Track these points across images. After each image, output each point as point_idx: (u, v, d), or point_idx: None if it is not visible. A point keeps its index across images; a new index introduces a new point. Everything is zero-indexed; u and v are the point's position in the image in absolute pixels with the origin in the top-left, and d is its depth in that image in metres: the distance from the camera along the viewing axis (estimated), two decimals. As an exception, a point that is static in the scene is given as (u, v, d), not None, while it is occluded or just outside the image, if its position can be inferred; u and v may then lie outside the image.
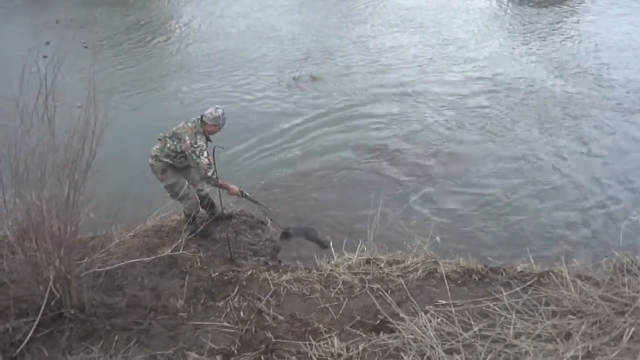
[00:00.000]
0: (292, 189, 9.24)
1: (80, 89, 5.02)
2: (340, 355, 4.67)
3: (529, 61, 14.86)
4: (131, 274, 6.09)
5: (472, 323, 4.92)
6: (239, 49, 16.36)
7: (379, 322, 5.10)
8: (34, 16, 19.04)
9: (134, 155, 8.31)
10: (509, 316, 4.97)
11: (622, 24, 17.81)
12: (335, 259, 6.51)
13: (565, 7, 19.70)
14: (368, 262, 6.33)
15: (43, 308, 4.79)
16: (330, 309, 5.43)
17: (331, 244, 7.09)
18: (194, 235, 6.92)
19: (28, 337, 4.72)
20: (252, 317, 5.29)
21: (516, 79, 13.56)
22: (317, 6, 20.78)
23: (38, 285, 4.89)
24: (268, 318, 5.28)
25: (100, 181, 5.48)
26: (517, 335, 4.71)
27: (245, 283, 5.99)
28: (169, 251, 6.04)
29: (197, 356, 4.70)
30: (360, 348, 4.71)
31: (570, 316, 4.93)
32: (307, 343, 4.83)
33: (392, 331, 4.91)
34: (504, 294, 5.33)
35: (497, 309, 5.12)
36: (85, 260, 5.21)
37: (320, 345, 4.80)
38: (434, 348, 4.58)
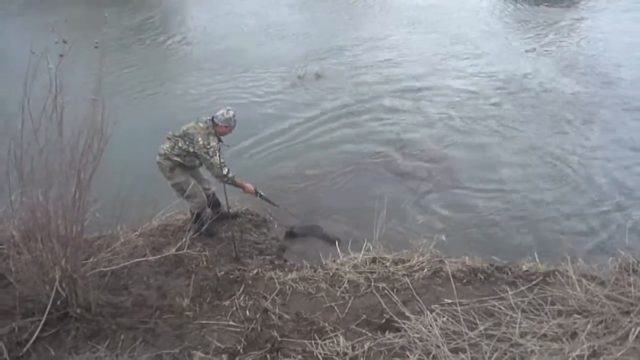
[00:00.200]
0: (297, 186, 9.25)
1: (89, 88, 5.04)
2: (345, 354, 4.67)
3: (538, 60, 14.81)
4: (136, 273, 6.10)
5: (478, 322, 4.92)
6: (247, 48, 16.31)
7: (384, 320, 5.11)
8: (43, 16, 19.00)
9: (140, 154, 8.32)
10: (514, 315, 4.97)
11: (631, 22, 17.76)
12: (341, 257, 6.51)
13: (575, 5, 19.68)
14: (373, 260, 6.33)
15: (49, 307, 4.80)
16: (336, 307, 5.43)
17: (336, 243, 7.10)
18: (199, 234, 6.93)
19: (34, 336, 4.73)
20: (257, 316, 5.29)
21: (525, 78, 13.53)
22: (325, 4, 20.74)
23: (44, 285, 4.90)
24: (273, 317, 5.29)
25: (106, 180, 5.48)
26: (523, 334, 4.71)
27: (250, 282, 6.00)
28: (174, 250, 6.05)
29: (202, 355, 4.71)
30: (366, 347, 4.72)
31: (575, 315, 4.93)
32: (313, 342, 4.84)
33: (398, 330, 4.91)
34: (510, 292, 5.33)
35: (503, 308, 5.12)
36: (91, 260, 5.22)
37: (325, 344, 4.80)
38: (439, 347, 4.58)
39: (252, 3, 20.42)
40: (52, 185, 4.82)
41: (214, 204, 7.59)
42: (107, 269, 5.30)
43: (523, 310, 5.06)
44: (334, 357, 4.66)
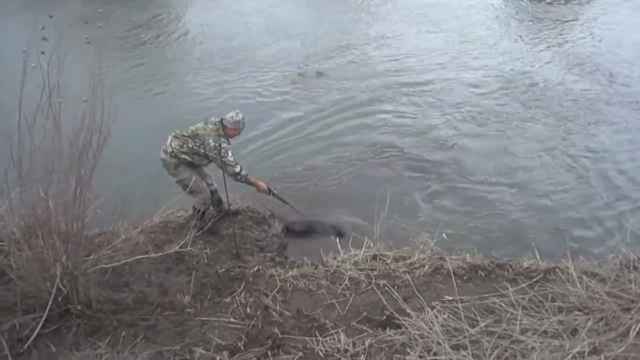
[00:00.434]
0: (299, 183, 9.25)
1: (91, 84, 5.04)
2: (346, 351, 4.68)
3: (546, 58, 14.77)
4: (137, 269, 6.11)
5: (478, 319, 4.92)
6: (254, 46, 16.28)
7: (385, 317, 5.11)
8: (44, 14, 18.95)
9: (144, 151, 8.34)
10: (515, 312, 4.97)
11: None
12: (342, 254, 6.52)
13: (587, 3, 19.63)
14: (374, 257, 6.33)
15: (50, 304, 4.80)
16: (337, 304, 5.44)
17: (337, 238, 7.12)
18: (200, 232, 6.94)
19: (35, 333, 4.74)
20: (258, 313, 5.30)
21: (533, 76, 13.50)
22: (334, 2, 20.69)
23: (45, 281, 4.90)
24: (274, 313, 5.30)
25: (106, 177, 5.49)
26: (523, 331, 4.71)
27: (251, 279, 6.01)
28: (177, 247, 6.05)
29: (203, 352, 4.71)
30: (367, 343, 4.72)
31: (576, 312, 4.93)
32: (314, 338, 4.85)
33: (398, 327, 4.92)
34: (510, 289, 5.33)
35: (503, 305, 5.12)
36: (92, 256, 5.22)
37: (326, 341, 4.81)
38: (440, 343, 4.59)
39: (260, 2, 20.38)
40: (53, 182, 4.82)
41: (217, 201, 7.60)
42: (108, 265, 5.30)
43: (524, 307, 5.06)
44: (335, 353, 4.66)
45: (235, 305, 5.46)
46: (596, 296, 5.06)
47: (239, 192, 7.75)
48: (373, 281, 5.78)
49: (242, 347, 4.81)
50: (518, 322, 4.80)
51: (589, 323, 4.70)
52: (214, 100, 12.46)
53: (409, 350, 4.60)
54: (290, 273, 6.07)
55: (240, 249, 6.91)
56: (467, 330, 4.73)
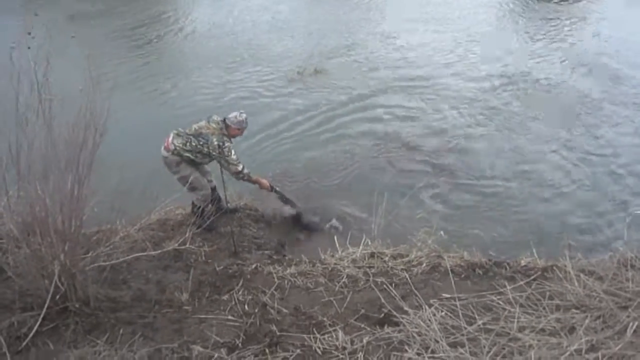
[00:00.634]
0: (301, 179, 9.30)
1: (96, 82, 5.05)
2: (344, 348, 4.68)
3: (552, 57, 14.79)
4: (136, 267, 6.11)
5: (476, 316, 4.93)
6: (256, 44, 16.36)
7: (383, 315, 5.11)
8: (46, 12, 18.92)
9: (141, 149, 8.33)
10: (512, 310, 4.97)
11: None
12: (340, 252, 6.52)
13: (590, 2, 19.63)
14: (372, 255, 6.34)
15: (48, 301, 4.80)
16: (334, 302, 5.44)
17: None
18: (200, 229, 6.95)
19: (33, 331, 4.74)
20: (256, 310, 5.31)
21: (539, 75, 13.53)
22: (340, 1, 20.71)
23: (43, 279, 4.90)
24: (272, 311, 5.30)
25: (105, 175, 5.49)
26: (521, 329, 4.72)
27: (249, 276, 6.01)
28: (176, 245, 6.05)
29: (201, 349, 4.71)
30: (364, 341, 4.73)
31: (573, 310, 4.93)
32: (311, 336, 4.85)
33: (396, 324, 4.92)
34: (508, 287, 5.34)
35: (501, 303, 5.12)
36: (90, 254, 5.23)
37: (324, 338, 4.81)
38: (437, 341, 4.59)
39: (266, 0, 20.40)
40: (50, 179, 4.82)
41: (216, 199, 7.61)
42: (106, 263, 5.31)
43: (521, 305, 5.07)
44: (333, 351, 4.66)
45: (233, 302, 5.47)
46: (594, 294, 5.07)
47: (236, 189, 7.76)
48: (371, 279, 5.78)
49: (240, 344, 4.81)
50: (516, 320, 4.81)
51: (587, 321, 4.71)
52: (219, 100, 12.49)
53: (406, 347, 4.60)
54: (288, 270, 6.08)
55: (238, 246, 6.91)
56: (465, 328, 4.74)
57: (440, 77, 13.58)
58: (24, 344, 4.67)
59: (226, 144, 6.83)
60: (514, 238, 7.70)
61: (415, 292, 5.40)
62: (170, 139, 6.90)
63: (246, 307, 5.38)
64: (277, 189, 7.62)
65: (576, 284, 5.22)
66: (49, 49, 4.75)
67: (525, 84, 13.03)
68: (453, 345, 4.58)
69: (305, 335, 4.87)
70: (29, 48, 5.07)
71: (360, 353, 4.60)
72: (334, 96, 12.58)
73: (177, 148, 6.86)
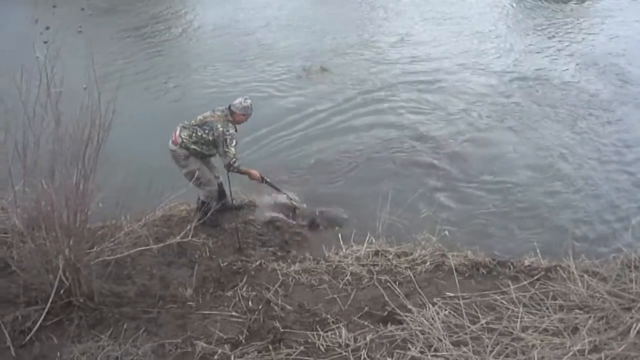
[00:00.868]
0: (305, 176, 9.27)
1: (100, 77, 5.05)
2: (347, 346, 4.68)
3: (561, 57, 14.68)
4: (140, 262, 6.13)
5: (479, 315, 4.93)
6: (264, 41, 16.32)
7: (386, 313, 5.12)
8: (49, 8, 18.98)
9: (147, 144, 8.35)
10: (515, 309, 4.98)
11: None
12: (344, 250, 6.53)
13: (601, 2, 19.57)
14: (376, 253, 6.35)
15: (52, 296, 4.81)
16: (338, 299, 5.45)
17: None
18: (203, 222, 6.93)
19: (37, 325, 4.76)
20: (260, 307, 5.31)
21: (547, 75, 13.42)
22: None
23: (47, 274, 4.92)
24: (276, 308, 5.31)
25: (110, 171, 5.50)
26: (524, 329, 4.72)
27: (253, 273, 6.02)
28: (178, 238, 6.04)
29: (205, 345, 4.72)
30: (368, 339, 4.73)
31: (577, 310, 4.93)
32: (315, 333, 4.86)
33: (400, 322, 4.92)
34: (511, 287, 5.34)
35: (504, 302, 5.13)
36: (95, 249, 5.24)
37: (327, 335, 4.82)
38: (441, 340, 4.60)
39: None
40: (55, 174, 4.83)
41: (220, 194, 7.62)
42: (111, 258, 5.32)
43: (524, 305, 5.07)
44: (336, 348, 4.67)
45: (237, 299, 5.47)
46: (597, 295, 5.07)
47: (242, 186, 7.78)
48: (375, 277, 5.79)
49: (243, 340, 4.82)
50: (519, 320, 4.81)
51: (590, 321, 4.71)
52: (224, 97, 12.40)
53: (409, 345, 4.61)
54: (292, 268, 6.08)
55: (243, 243, 6.92)
56: (468, 327, 4.74)
57: (448, 75, 13.51)
58: (28, 338, 4.69)
59: (230, 131, 6.85)
60: (518, 237, 7.68)
61: (419, 290, 5.40)
62: (178, 132, 6.92)
63: (250, 303, 5.39)
64: (268, 179, 7.57)
65: (580, 284, 5.23)
66: (61, 44, 4.76)
67: (533, 83, 12.92)
68: (456, 344, 4.58)
69: (308, 332, 4.88)
70: (45, 42, 5.09)
71: (364, 351, 4.60)
72: (341, 94, 12.51)
73: (184, 141, 6.88)
